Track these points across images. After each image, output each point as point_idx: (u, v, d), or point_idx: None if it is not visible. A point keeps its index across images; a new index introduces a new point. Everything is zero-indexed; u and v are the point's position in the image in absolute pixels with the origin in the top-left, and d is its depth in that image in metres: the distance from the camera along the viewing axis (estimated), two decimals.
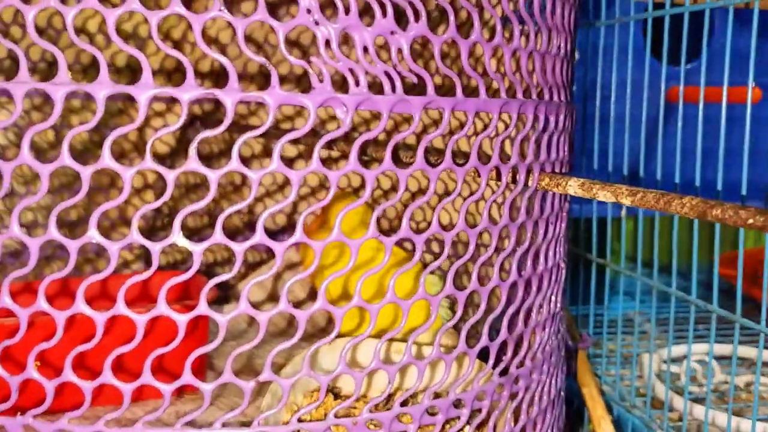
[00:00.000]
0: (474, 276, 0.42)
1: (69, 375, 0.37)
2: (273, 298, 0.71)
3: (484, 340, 0.44)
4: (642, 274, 0.71)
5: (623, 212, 0.72)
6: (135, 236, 0.35)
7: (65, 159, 0.33)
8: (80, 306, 0.35)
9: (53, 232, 0.34)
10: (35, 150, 0.67)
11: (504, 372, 0.46)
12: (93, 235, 0.34)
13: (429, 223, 0.69)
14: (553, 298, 0.51)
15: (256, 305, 0.69)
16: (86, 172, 0.34)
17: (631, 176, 0.77)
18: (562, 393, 0.57)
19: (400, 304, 0.39)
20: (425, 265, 0.71)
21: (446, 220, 0.70)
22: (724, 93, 0.62)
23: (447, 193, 0.68)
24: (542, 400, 0.51)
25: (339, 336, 0.63)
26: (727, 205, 0.35)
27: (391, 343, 0.58)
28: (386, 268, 0.56)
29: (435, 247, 0.72)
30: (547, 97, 0.46)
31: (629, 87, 0.74)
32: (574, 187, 0.43)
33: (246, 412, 0.45)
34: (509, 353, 0.46)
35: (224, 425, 0.38)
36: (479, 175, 0.43)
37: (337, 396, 0.56)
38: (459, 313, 0.42)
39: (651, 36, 0.84)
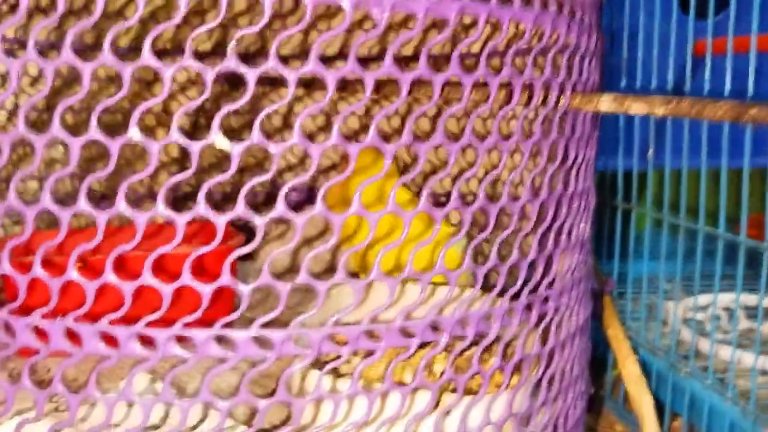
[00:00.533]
0: (505, 191, 0.42)
1: (109, 276, 0.37)
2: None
3: (515, 256, 0.44)
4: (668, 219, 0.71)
5: (650, 154, 0.72)
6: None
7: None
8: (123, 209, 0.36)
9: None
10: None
11: (534, 290, 0.47)
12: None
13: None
14: (582, 224, 0.51)
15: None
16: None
17: (657, 131, 0.76)
18: (588, 325, 0.57)
19: (401, 213, 0.39)
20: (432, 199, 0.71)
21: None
22: (753, 40, 0.61)
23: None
24: (570, 324, 0.51)
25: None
26: (765, 104, 0.35)
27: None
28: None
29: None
30: (579, 16, 0.46)
31: (656, 40, 0.73)
32: (606, 101, 0.44)
33: (282, 318, 0.46)
34: (539, 271, 0.47)
35: (262, 326, 0.38)
36: (511, 92, 0.43)
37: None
38: (489, 229, 0.42)
39: None
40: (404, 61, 0.70)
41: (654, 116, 0.41)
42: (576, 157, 0.48)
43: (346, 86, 0.76)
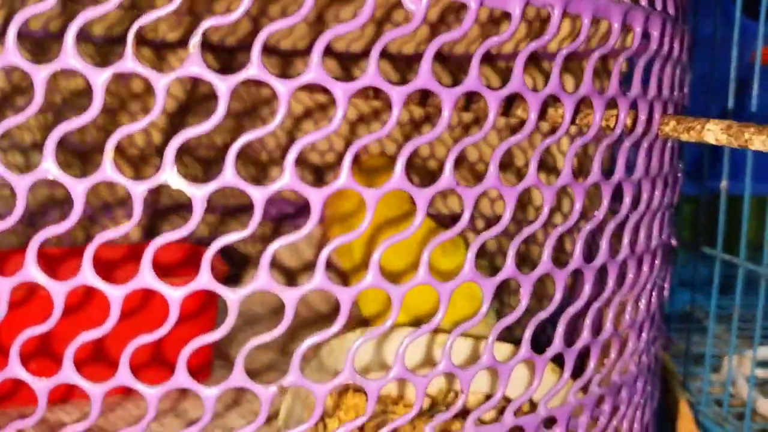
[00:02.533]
0: (578, 248, 0.31)
1: (16, 369, 0.26)
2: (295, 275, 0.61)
3: (585, 336, 0.33)
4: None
5: (724, 186, 0.60)
6: (108, 172, 0.24)
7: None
8: (32, 272, 0.25)
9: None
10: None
11: (605, 381, 0.35)
12: (49, 168, 0.24)
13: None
14: (662, 284, 0.40)
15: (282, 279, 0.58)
16: (41, 74, 0.23)
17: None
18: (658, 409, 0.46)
19: (437, 287, 0.28)
20: (466, 240, 0.60)
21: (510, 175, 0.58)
22: None
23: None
24: (645, 414, 0.40)
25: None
26: None
27: (436, 335, 0.47)
28: (419, 237, 0.44)
29: (479, 223, 0.61)
30: (672, 12, 0.35)
31: (717, 46, 0.62)
32: (714, 132, 0.32)
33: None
34: (613, 355, 0.35)
35: None
36: (589, 108, 0.32)
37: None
38: (557, 297, 0.31)
39: None
40: (406, 61, 0.58)
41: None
42: (661, 200, 0.37)
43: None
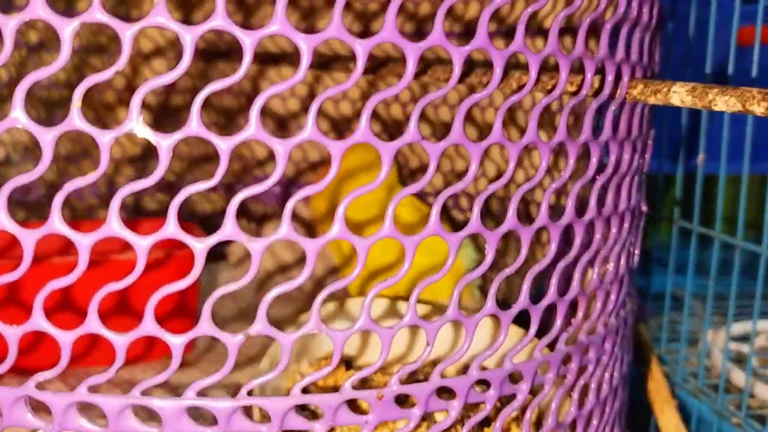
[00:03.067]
0: (544, 205, 0.32)
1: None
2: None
3: (552, 294, 0.33)
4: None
5: (701, 160, 0.61)
6: (75, 121, 0.24)
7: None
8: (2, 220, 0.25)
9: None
10: None
11: (572, 340, 0.36)
12: (18, 116, 0.24)
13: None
14: (631, 249, 0.41)
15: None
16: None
17: (692, 132, 0.66)
18: (629, 373, 0.46)
19: (403, 240, 0.28)
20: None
21: (474, 132, 0.58)
22: None
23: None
24: (614, 377, 0.40)
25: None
26: None
27: (396, 302, 0.47)
28: (383, 190, 0.44)
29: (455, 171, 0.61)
30: None
31: (692, 25, 0.62)
32: (681, 93, 0.33)
33: (235, 379, 0.35)
34: (580, 315, 0.36)
35: (200, 394, 0.28)
36: (556, 70, 0.32)
37: (349, 366, 0.46)
38: (523, 254, 0.31)
39: None
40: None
41: (749, 114, 0.30)
42: (630, 164, 0.37)
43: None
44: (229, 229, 0.26)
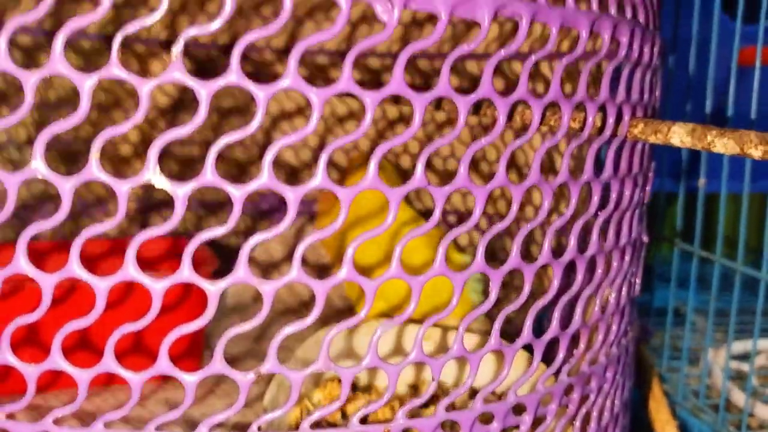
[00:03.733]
0: (547, 243, 0.32)
1: (7, 356, 0.27)
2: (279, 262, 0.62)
3: (554, 328, 0.34)
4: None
5: (702, 184, 0.62)
6: (94, 170, 0.25)
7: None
8: (22, 265, 0.26)
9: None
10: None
11: (574, 371, 0.37)
12: (38, 167, 0.25)
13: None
14: (633, 279, 0.42)
15: (261, 273, 0.60)
16: (31, 79, 0.25)
17: (694, 151, 0.66)
18: (631, 398, 0.47)
19: (409, 281, 0.29)
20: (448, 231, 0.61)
21: (485, 171, 0.59)
22: None
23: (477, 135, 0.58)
24: (615, 404, 0.41)
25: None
26: None
27: (406, 326, 0.48)
28: (393, 229, 0.45)
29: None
30: (642, 20, 0.36)
31: (694, 46, 0.63)
32: (680, 134, 0.33)
33: (244, 412, 0.36)
34: (582, 346, 0.37)
35: (211, 430, 0.28)
36: (557, 113, 0.33)
37: (354, 388, 0.47)
38: (526, 291, 0.32)
39: None
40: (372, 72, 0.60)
41: (747, 157, 0.31)
42: (631, 199, 0.38)
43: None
44: (242, 272, 0.27)
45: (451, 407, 0.33)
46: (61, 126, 0.25)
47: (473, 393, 0.43)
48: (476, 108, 0.38)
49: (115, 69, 0.25)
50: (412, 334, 0.47)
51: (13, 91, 0.55)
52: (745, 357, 0.68)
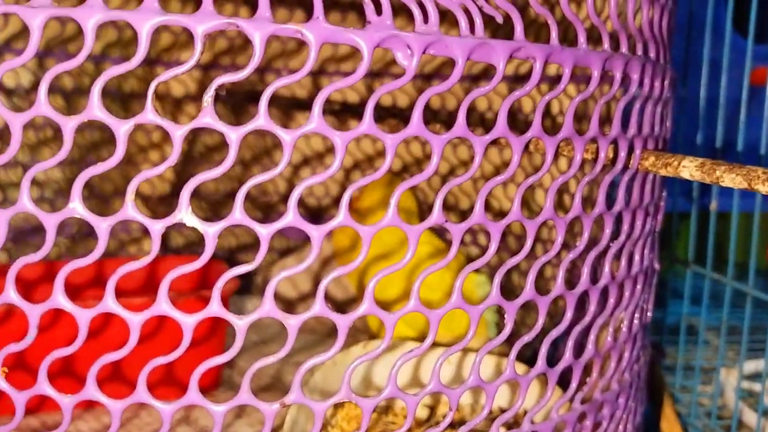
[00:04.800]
0: (561, 275, 0.33)
1: (44, 387, 0.29)
2: (304, 295, 0.63)
3: (568, 357, 0.35)
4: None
5: (713, 207, 0.62)
6: (130, 211, 0.26)
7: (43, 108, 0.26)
8: (58, 299, 0.27)
9: (26, 202, 0.26)
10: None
11: (587, 398, 0.38)
12: (75, 207, 0.26)
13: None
14: (645, 305, 0.42)
15: (284, 304, 0.61)
16: (69, 124, 0.26)
17: None
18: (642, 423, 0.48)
19: (428, 314, 0.30)
20: (469, 261, 0.62)
21: (496, 207, 0.61)
22: None
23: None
24: (627, 430, 0.42)
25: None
26: None
27: (427, 355, 0.49)
28: (412, 264, 0.47)
29: (484, 240, 0.64)
30: (653, 55, 0.37)
31: (705, 66, 0.64)
32: (689, 168, 0.34)
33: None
34: (595, 374, 0.38)
35: None
36: (571, 148, 0.34)
37: (374, 410, 0.48)
38: (540, 323, 0.33)
39: (734, 8, 0.73)
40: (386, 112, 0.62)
41: (755, 191, 0.32)
42: (642, 229, 0.39)
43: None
44: (268, 306, 0.28)
45: None
46: (97, 169, 0.26)
47: (489, 418, 0.44)
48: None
49: (150, 115, 0.26)
50: (430, 358, 0.48)
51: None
52: (757, 376, 0.69)
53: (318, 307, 0.29)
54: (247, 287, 0.68)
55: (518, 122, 0.57)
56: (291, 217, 0.28)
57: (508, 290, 0.57)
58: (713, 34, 0.65)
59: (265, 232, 0.28)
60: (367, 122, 0.27)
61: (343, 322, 0.29)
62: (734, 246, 0.60)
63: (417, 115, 0.28)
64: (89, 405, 0.46)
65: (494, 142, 0.39)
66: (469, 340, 0.31)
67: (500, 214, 0.59)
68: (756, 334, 0.69)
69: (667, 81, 0.40)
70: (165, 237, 0.72)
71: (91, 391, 0.28)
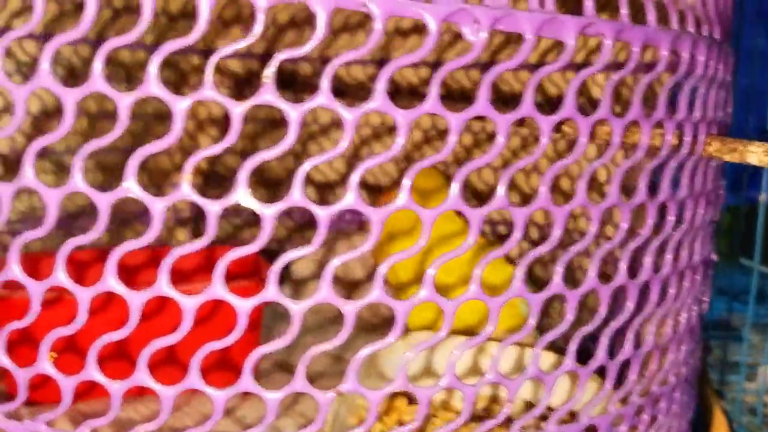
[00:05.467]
0: (594, 267, 0.32)
1: (93, 372, 0.28)
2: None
3: (627, 349, 0.34)
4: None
5: (764, 199, 0.60)
6: (185, 191, 0.26)
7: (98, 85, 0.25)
8: (110, 282, 0.27)
9: (78, 182, 0.26)
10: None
11: (645, 392, 0.36)
12: (130, 187, 0.26)
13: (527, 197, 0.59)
14: (702, 297, 0.41)
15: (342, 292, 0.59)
16: (125, 101, 0.25)
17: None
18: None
19: (488, 302, 0.29)
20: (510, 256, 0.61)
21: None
22: None
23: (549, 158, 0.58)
24: (681, 425, 0.41)
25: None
26: None
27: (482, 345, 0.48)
28: (471, 253, 0.45)
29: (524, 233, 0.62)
30: (718, 36, 0.36)
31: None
32: (758, 153, 0.33)
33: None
34: (653, 367, 0.36)
35: None
36: (631, 130, 0.32)
37: (411, 401, 0.47)
38: (602, 313, 0.32)
39: None
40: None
41: None
42: (704, 218, 0.37)
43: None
44: (325, 292, 0.27)
45: (523, 430, 0.33)
46: (152, 148, 0.25)
47: (545, 413, 0.43)
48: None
49: (208, 92, 0.25)
50: (478, 353, 0.47)
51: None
52: None
53: (377, 293, 0.27)
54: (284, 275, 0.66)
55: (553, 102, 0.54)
56: (351, 199, 0.26)
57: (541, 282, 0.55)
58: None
59: (323, 214, 0.26)
60: (433, 100, 0.26)
61: (402, 309, 0.28)
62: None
63: (483, 94, 0.27)
64: (140, 392, 0.45)
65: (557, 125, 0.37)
66: (531, 327, 0.30)
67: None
68: None
69: (730, 64, 0.38)
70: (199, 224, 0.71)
71: (142, 376, 0.28)
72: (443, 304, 0.29)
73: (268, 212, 0.26)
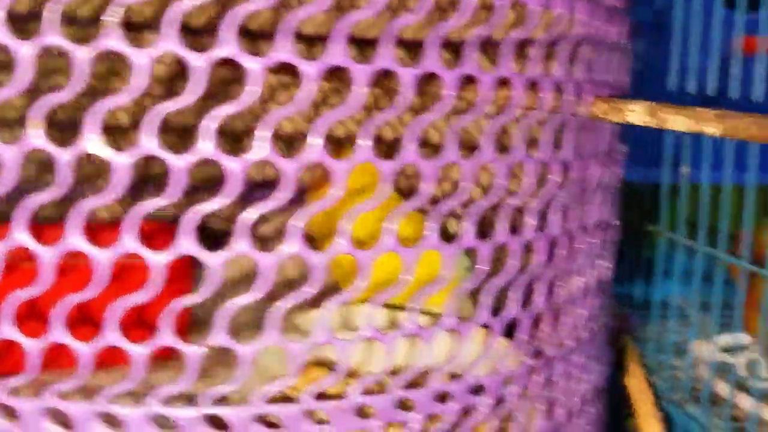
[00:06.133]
0: (502, 225, 0.43)
1: (7, 331, 0.37)
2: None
3: (513, 309, 0.44)
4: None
5: (685, 172, 0.75)
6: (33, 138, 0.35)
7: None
8: (21, 237, 0.36)
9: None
10: None
11: (538, 353, 0.47)
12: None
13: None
14: (602, 262, 0.53)
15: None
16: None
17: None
18: (605, 384, 0.58)
19: (403, 254, 0.40)
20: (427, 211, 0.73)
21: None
22: None
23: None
24: (583, 390, 0.52)
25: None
26: None
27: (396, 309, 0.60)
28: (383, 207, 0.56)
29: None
30: (611, 3, 0.48)
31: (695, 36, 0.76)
32: (637, 113, 0.46)
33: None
34: (547, 328, 0.47)
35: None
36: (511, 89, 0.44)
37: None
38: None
39: None
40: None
41: (701, 134, 0.43)
42: (598, 180, 0.50)
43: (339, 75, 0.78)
44: (242, 244, 0.38)
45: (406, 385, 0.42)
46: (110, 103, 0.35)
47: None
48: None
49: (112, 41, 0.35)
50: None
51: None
52: (730, 350, 0.83)
53: (297, 246, 0.38)
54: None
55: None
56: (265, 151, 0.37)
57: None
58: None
59: (236, 166, 0.37)
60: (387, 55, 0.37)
61: (318, 261, 0.38)
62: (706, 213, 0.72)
63: (433, 51, 0.38)
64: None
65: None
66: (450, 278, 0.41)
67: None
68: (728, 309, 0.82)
69: (623, 28, 0.51)
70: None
71: (58, 334, 0.37)
72: (360, 256, 0.39)
73: (180, 163, 0.36)
